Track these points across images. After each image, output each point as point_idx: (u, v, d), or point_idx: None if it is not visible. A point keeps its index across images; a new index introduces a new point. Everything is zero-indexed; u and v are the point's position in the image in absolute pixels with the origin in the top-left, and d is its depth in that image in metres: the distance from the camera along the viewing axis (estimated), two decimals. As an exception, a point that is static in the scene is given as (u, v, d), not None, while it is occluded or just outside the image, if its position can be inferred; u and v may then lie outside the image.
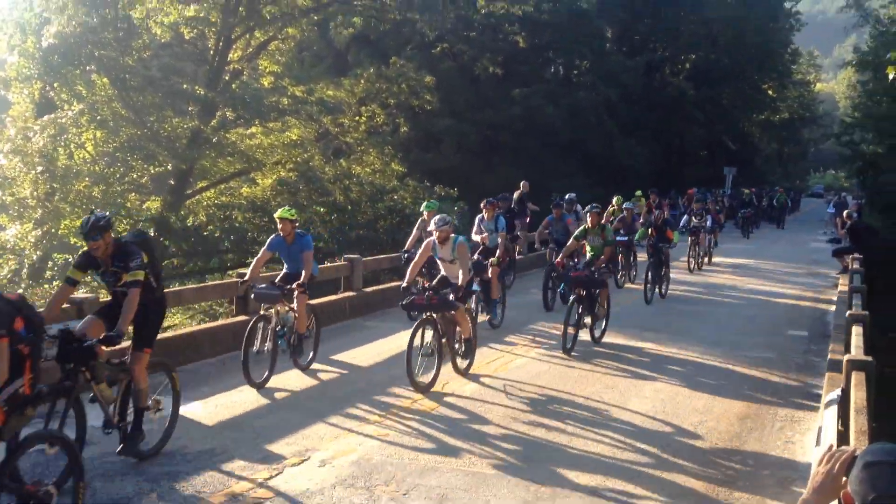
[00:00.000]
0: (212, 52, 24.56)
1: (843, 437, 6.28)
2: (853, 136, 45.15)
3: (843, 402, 6.77)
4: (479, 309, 12.39)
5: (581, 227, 12.39)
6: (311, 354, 10.09)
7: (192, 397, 8.27)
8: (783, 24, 58.28)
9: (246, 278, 9.80)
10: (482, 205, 13.36)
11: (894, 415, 9.63)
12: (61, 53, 21.19)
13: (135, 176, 23.15)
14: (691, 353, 11.60)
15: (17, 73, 22.05)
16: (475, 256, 12.23)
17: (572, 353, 10.90)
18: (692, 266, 20.67)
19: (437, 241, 9.70)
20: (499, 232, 12.89)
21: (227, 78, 24.91)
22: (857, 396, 6.63)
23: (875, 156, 39.66)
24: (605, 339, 11.95)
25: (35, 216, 21.16)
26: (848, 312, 10.87)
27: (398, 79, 28.28)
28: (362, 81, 28.16)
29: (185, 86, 22.89)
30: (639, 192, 26.14)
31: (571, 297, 11.19)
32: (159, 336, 7.61)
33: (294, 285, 9.39)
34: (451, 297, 9.26)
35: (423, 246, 9.99)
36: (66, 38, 20.95)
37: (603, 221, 12.32)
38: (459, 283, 9.35)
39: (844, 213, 23.46)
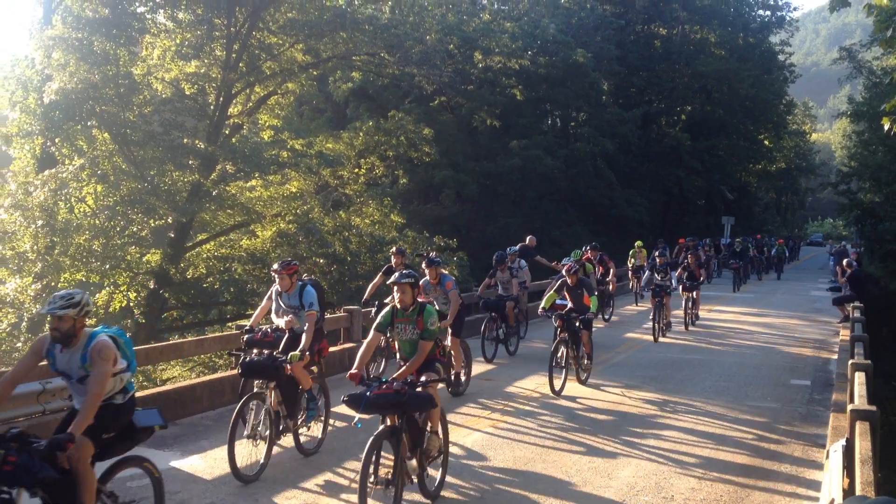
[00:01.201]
0: (212, 107, 24.80)
1: (848, 489, 6.19)
2: (850, 185, 45.45)
3: (848, 453, 6.69)
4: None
5: (386, 310, 7.40)
6: None
7: (191, 450, 8.19)
8: (777, 76, 59.04)
9: None
10: (274, 269, 8.77)
11: (900, 465, 9.53)
12: (63, 109, 21.36)
13: (135, 229, 23.22)
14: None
15: (19, 128, 22.24)
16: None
17: None
18: (657, 334, 17.56)
19: (51, 343, 5.44)
20: (307, 310, 8.48)
21: (227, 132, 25.14)
22: (862, 447, 6.55)
23: (873, 204, 39.84)
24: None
25: (35, 270, 21.14)
26: (850, 361, 10.79)
27: (397, 131, 28.49)
28: (361, 134, 28.38)
29: (185, 140, 23.08)
30: (639, 243, 26.00)
31: (379, 429, 6.64)
32: (158, 389, 7.55)
33: None
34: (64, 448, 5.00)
35: (29, 351, 5.64)
36: (68, 95, 21.15)
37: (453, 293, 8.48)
38: (80, 417, 5.19)
39: (844, 261, 23.37)
